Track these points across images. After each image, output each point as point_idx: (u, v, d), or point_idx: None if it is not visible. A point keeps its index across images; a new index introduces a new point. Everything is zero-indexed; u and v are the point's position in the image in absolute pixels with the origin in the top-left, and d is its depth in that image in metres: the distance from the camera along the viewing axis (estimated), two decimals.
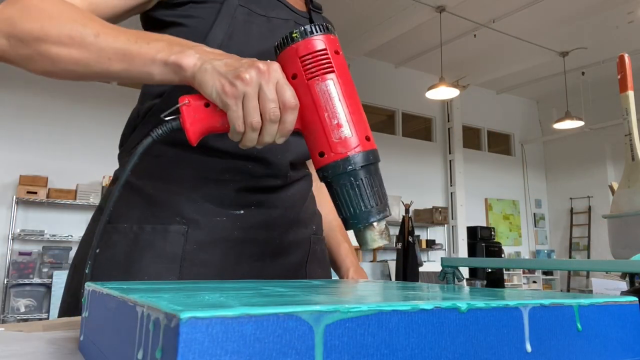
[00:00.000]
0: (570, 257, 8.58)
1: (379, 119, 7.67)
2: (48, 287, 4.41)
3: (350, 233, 1.00)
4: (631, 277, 0.87)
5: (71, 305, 0.72)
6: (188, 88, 0.55)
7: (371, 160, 0.50)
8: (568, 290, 8.04)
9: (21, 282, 4.56)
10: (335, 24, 0.92)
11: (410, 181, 7.42)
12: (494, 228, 7.71)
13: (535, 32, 6.37)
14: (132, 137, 0.77)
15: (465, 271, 6.00)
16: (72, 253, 4.86)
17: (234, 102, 0.49)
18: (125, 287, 0.37)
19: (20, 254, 4.70)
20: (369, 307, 0.25)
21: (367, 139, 0.51)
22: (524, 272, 8.15)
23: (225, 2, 0.71)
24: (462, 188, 7.76)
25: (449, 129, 8.00)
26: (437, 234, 7.55)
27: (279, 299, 0.28)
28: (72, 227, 5.07)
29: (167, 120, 0.53)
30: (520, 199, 8.96)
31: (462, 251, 7.34)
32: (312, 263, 0.80)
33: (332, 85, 0.50)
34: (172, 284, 0.44)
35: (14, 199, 4.75)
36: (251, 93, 0.49)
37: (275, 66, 0.51)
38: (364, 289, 0.43)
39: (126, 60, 0.55)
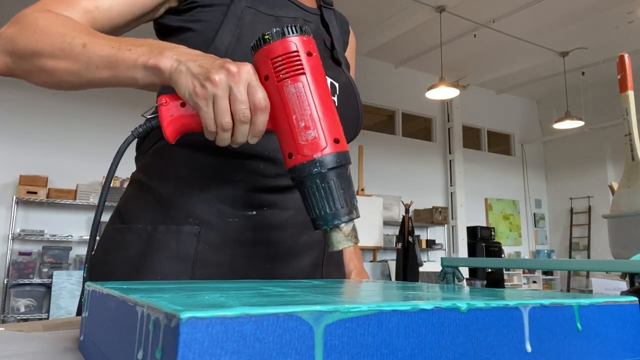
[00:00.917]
0: (570, 257, 8.58)
1: (379, 119, 7.67)
2: (48, 287, 4.42)
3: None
4: (631, 277, 0.87)
5: None
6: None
7: (339, 163, 0.50)
8: (568, 290, 8.04)
9: (21, 282, 4.56)
10: None
11: (410, 181, 7.42)
12: (494, 228, 7.71)
13: (535, 32, 6.37)
14: (147, 139, 0.78)
15: (465, 271, 6.01)
16: (72, 253, 4.86)
17: (204, 103, 0.51)
18: (125, 287, 0.37)
19: (20, 254, 4.70)
20: (369, 307, 0.25)
21: (337, 141, 0.51)
22: (524, 272, 8.15)
23: (232, 4, 0.72)
24: (462, 188, 7.76)
25: (449, 129, 8.00)
26: (437, 234, 7.55)
27: (279, 299, 0.28)
28: (72, 227, 5.07)
29: (148, 118, 0.55)
30: (520, 199, 8.96)
31: (462, 251, 7.34)
32: (329, 265, 0.80)
33: (301, 88, 0.50)
34: (173, 284, 0.44)
35: (14, 199, 4.75)
36: (220, 94, 0.50)
37: (247, 67, 0.51)
38: (364, 289, 0.43)
39: (112, 67, 0.58)
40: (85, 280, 0.57)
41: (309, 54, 0.52)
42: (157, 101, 0.55)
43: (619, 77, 0.95)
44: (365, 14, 5.78)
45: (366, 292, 0.38)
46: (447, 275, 0.92)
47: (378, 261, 5.96)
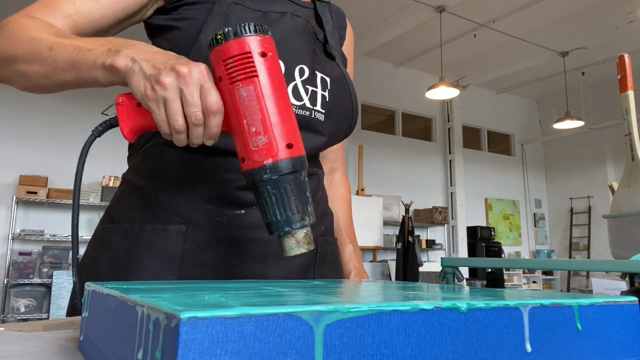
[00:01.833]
0: (570, 257, 8.58)
1: (379, 119, 7.67)
2: (48, 287, 4.41)
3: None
4: (631, 277, 0.87)
5: (76, 307, 0.73)
6: None
7: (291, 169, 0.49)
8: (568, 290, 8.04)
9: (21, 282, 4.55)
10: None
11: (410, 181, 7.42)
12: (494, 228, 7.71)
13: (535, 32, 6.37)
14: (137, 139, 0.78)
15: (465, 271, 6.01)
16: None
17: (155, 106, 0.50)
18: (125, 287, 0.37)
19: (20, 254, 4.70)
20: (369, 307, 0.25)
21: (290, 146, 0.49)
22: (524, 272, 8.15)
23: (217, 1, 0.71)
24: (462, 188, 7.76)
25: (449, 129, 8.00)
26: (437, 234, 7.55)
27: (279, 299, 0.28)
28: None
29: (108, 118, 0.55)
30: (520, 199, 8.96)
31: (462, 251, 7.34)
32: (322, 265, 0.79)
33: (252, 92, 0.49)
34: (172, 284, 0.44)
35: (14, 199, 4.75)
36: (171, 97, 0.49)
37: (200, 68, 0.50)
38: (363, 289, 0.43)
39: (75, 69, 0.58)
40: (75, 282, 0.58)
41: (264, 55, 0.49)
42: (116, 100, 0.54)
43: (619, 77, 0.95)
44: (365, 14, 5.78)
45: (366, 292, 0.38)
46: (447, 275, 0.92)
47: (378, 261, 5.96)
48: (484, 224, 8.09)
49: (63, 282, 3.90)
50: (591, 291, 1.38)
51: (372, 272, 5.42)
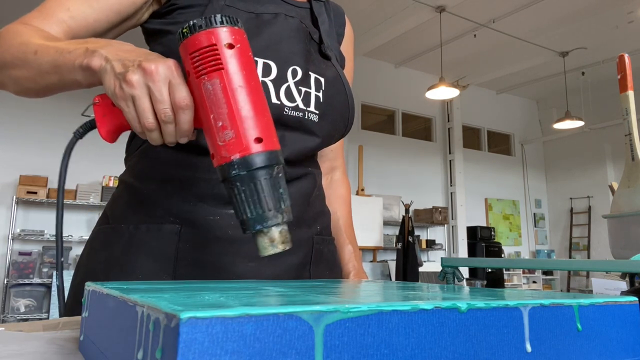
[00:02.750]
0: (570, 257, 8.58)
1: (379, 119, 7.67)
2: (48, 287, 4.42)
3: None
4: (631, 277, 0.87)
5: (72, 306, 0.73)
6: None
7: (260, 164, 0.46)
8: (568, 290, 8.04)
9: (21, 282, 4.56)
10: None
11: (410, 181, 7.42)
12: (494, 228, 7.71)
13: (535, 32, 6.37)
14: (134, 141, 0.79)
15: (465, 271, 6.01)
16: (72, 253, 4.87)
17: (125, 104, 0.49)
18: (125, 287, 0.37)
19: (20, 254, 4.70)
20: (369, 307, 0.25)
21: (259, 140, 0.47)
22: (524, 272, 8.15)
23: (209, 4, 0.71)
24: (462, 188, 7.76)
25: (449, 129, 8.00)
26: (437, 234, 7.55)
27: (279, 299, 0.28)
28: (72, 227, 5.07)
29: (89, 120, 0.54)
30: (520, 199, 8.96)
31: (462, 251, 7.34)
32: (318, 265, 0.79)
33: (218, 85, 0.47)
34: (172, 284, 0.44)
35: (14, 199, 4.75)
36: (139, 95, 0.48)
37: (168, 64, 0.49)
38: (363, 289, 0.43)
39: (58, 72, 0.58)
40: (59, 285, 0.58)
41: (231, 47, 0.48)
42: (93, 101, 0.54)
43: (619, 77, 0.95)
44: (365, 13, 5.78)
45: (366, 292, 0.38)
46: (447, 275, 0.92)
47: (378, 261, 5.96)
48: (484, 224, 8.09)
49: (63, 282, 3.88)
50: (591, 291, 1.38)
51: (372, 272, 5.42)
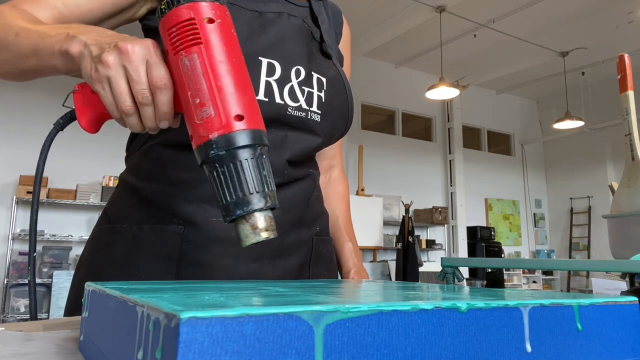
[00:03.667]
0: (570, 257, 8.58)
1: (379, 119, 7.67)
2: (48, 287, 4.41)
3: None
4: (631, 277, 0.87)
5: (72, 305, 0.73)
6: None
7: (240, 144, 0.42)
8: (568, 290, 8.04)
9: (21, 282, 4.55)
10: None
11: (410, 181, 7.42)
12: (494, 228, 7.71)
13: (535, 32, 6.37)
14: (135, 139, 0.78)
15: (465, 271, 6.01)
16: (73, 253, 4.86)
17: (100, 87, 0.48)
18: (125, 287, 0.37)
19: (20, 254, 4.70)
20: (369, 307, 0.25)
21: (240, 118, 0.43)
22: (524, 272, 8.15)
23: None
24: (462, 188, 7.76)
25: (449, 129, 8.00)
26: (437, 234, 7.55)
27: (279, 299, 0.28)
28: (72, 227, 5.07)
29: (70, 110, 0.52)
30: (520, 199, 8.96)
31: (462, 251, 7.34)
32: (317, 265, 0.79)
33: (195, 60, 0.44)
34: (172, 284, 0.44)
35: (14, 199, 4.75)
36: (114, 76, 0.47)
37: (145, 43, 0.47)
38: (364, 289, 0.43)
39: (36, 55, 0.56)
40: (30, 284, 0.57)
41: (211, 21, 0.45)
42: (73, 88, 0.52)
43: (619, 77, 0.95)
44: (365, 13, 5.78)
45: (366, 292, 0.38)
46: (447, 275, 0.92)
47: (378, 261, 5.96)
48: (484, 224, 8.09)
49: (63, 282, 3.89)
50: (591, 291, 1.38)
51: (372, 272, 5.42)
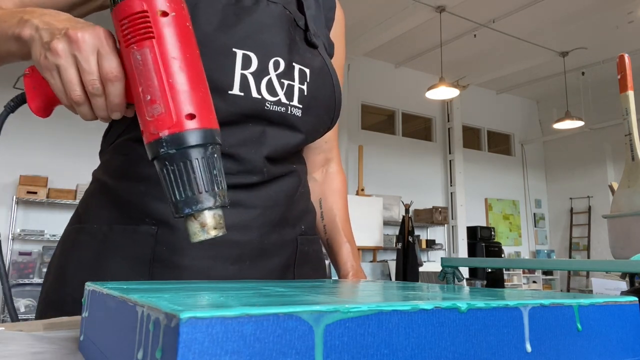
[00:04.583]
0: (570, 257, 8.58)
1: (379, 119, 7.67)
2: None
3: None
4: (631, 277, 0.87)
5: (43, 309, 0.69)
6: None
7: (191, 143, 0.42)
8: (568, 290, 8.04)
9: (21, 282, 4.56)
10: None
11: (410, 181, 7.42)
12: (494, 228, 7.71)
13: (535, 32, 6.37)
14: (109, 134, 0.75)
15: (465, 271, 6.01)
16: None
17: (49, 75, 0.46)
18: (125, 287, 0.37)
19: (20, 254, 4.70)
20: (369, 307, 0.25)
21: (191, 117, 0.43)
22: (524, 272, 8.15)
23: None
24: (462, 188, 7.76)
25: (449, 129, 8.00)
26: (437, 234, 7.55)
27: (279, 299, 0.28)
28: None
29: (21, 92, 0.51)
30: (520, 199, 8.96)
31: (462, 251, 7.34)
32: (303, 265, 0.76)
33: (147, 55, 0.43)
34: (173, 284, 0.44)
35: (14, 199, 4.75)
36: (64, 65, 0.45)
37: (97, 32, 0.46)
38: (363, 289, 0.43)
39: None
40: (4, 287, 0.55)
41: (165, 14, 0.44)
42: (24, 71, 0.51)
43: (619, 77, 0.95)
44: (365, 13, 5.78)
45: (366, 292, 0.38)
46: (447, 275, 0.93)
47: (378, 261, 5.96)
48: (484, 224, 8.09)
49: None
50: (591, 291, 1.38)
51: (372, 272, 5.42)
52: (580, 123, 6.69)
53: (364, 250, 6.05)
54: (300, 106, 0.70)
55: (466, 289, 0.45)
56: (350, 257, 0.84)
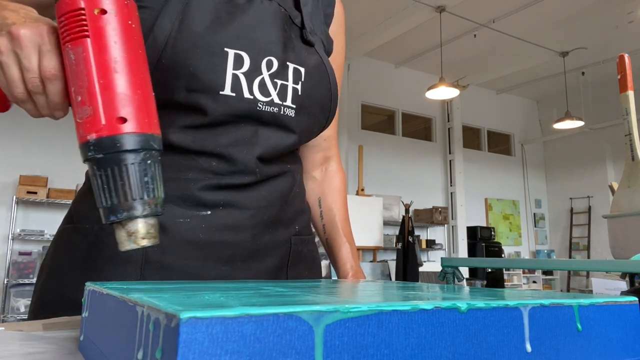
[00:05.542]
0: (570, 257, 8.58)
1: (379, 119, 7.67)
2: None
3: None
4: (631, 277, 0.87)
5: (36, 309, 0.69)
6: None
7: (119, 149, 0.40)
8: (568, 290, 8.04)
9: (21, 282, 4.56)
10: None
11: (410, 181, 7.42)
12: (494, 228, 7.71)
13: (535, 32, 6.37)
14: None
15: (465, 271, 6.01)
16: None
17: None
18: (125, 287, 0.37)
19: (20, 254, 4.70)
20: (369, 307, 0.25)
21: (123, 120, 0.41)
22: (524, 272, 8.15)
23: None
24: (462, 188, 7.76)
25: (449, 129, 8.00)
26: (437, 234, 7.55)
27: (279, 299, 0.28)
28: None
29: None
30: (520, 199, 8.96)
31: (462, 251, 7.34)
32: (297, 266, 0.75)
33: (80, 53, 0.41)
34: (173, 284, 0.44)
35: (14, 199, 4.75)
36: (6, 62, 0.45)
37: (39, 29, 0.45)
38: (363, 289, 0.43)
39: None
40: None
41: (103, 12, 0.42)
42: None
43: (619, 77, 0.95)
44: (366, 13, 5.78)
45: (366, 292, 0.38)
46: (447, 275, 0.93)
47: (378, 261, 5.96)
48: (484, 224, 8.09)
49: None
50: (591, 291, 1.38)
51: (372, 272, 5.42)
52: (580, 123, 6.69)
53: (364, 250, 6.05)
54: (294, 106, 0.69)
55: (466, 289, 0.45)
56: (349, 258, 0.84)
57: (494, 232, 7.62)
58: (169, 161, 0.65)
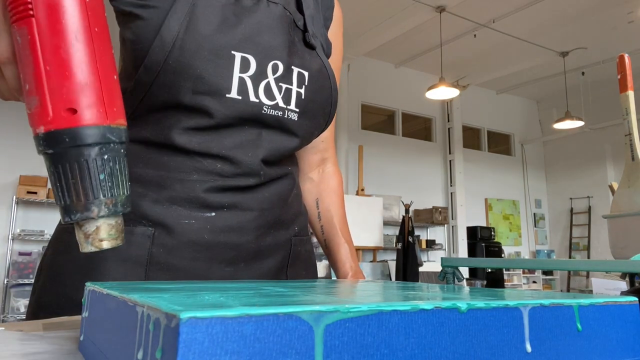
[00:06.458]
0: (570, 257, 8.58)
1: (379, 119, 7.67)
2: None
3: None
4: (631, 277, 0.87)
5: (34, 310, 0.68)
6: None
7: (70, 143, 0.36)
8: (568, 290, 8.05)
9: (21, 282, 4.56)
10: None
11: (410, 181, 7.42)
12: (494, 228, 7.71)
13: (535, 32, 6.37)
14: None
15: (465, 271, 6.01)
16: None
17: None
18: (125, 287, 0.37)
19: (20, 254, 4.70)
20: (369, 307, 0.25)
21: (72, 111, 0.36)
22: (524, 272, 8.15)
23: None
24: (462, 188, 7.76)
25: (449, 129, 8.00)
26: (437, 234, 7.56)
27: (279, 299, 0.28)
28: None
29: None
30: (520, 199, 8.97)
31: (462, 251, 7.35)
32: (295, 266, 0.76)
33: (26, 35, 0.36)
34: (173, 284, 0.44)
35: (14, 199, 4.76)
36: None
37: None
38: (363, 289, 0.43)
39: None
40: None
41: None
42: None
43: (619, 77, 0.95)
44: (366, 13, 5.78)
45: (366, 292, 0.38)
46: (447, 275, 0.93)
47: (378, 261, 5.96)
48: (484, 224, 8.10)
49: None
50: (591, 291, 1.38)
51: (372, 272, 5.42)
52: (580, 123, 6.69)
53: (364, 250, 6.05)
54: (297, 110, 0.70)
55: (466, 289, 0.45)
56: (349, 258, 0.84)
57: (494, 232, 7.63)
58: (173, 162, 0.65)
